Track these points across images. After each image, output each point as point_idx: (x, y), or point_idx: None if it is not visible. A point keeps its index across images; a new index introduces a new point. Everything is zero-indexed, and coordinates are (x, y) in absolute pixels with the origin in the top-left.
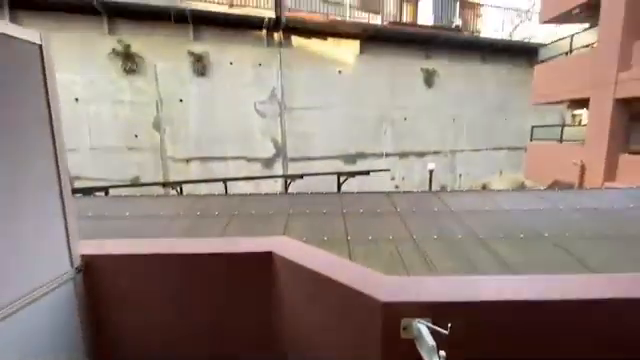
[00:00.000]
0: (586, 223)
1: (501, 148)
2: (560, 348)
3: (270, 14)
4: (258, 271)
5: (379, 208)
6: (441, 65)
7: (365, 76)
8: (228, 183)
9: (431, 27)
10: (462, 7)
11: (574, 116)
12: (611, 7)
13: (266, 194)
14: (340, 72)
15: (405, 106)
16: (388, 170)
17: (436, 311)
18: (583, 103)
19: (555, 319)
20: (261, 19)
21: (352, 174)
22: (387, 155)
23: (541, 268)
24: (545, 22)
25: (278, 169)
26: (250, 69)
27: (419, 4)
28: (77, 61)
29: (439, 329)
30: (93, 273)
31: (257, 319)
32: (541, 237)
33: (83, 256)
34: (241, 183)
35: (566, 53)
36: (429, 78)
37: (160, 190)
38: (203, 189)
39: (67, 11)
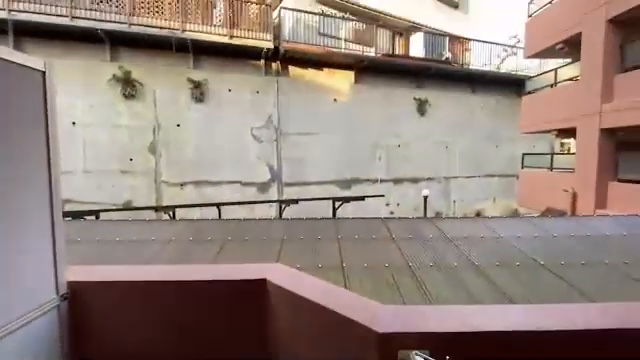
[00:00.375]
0: (581, 250)
1: (493, 175)
2: None
3: (268, 45)
4: (252, 299)
5: (374, 234)
6: (433, 95)
7: (360, 104)
8: (223, 208)
9: (422, 59)
10: (451, 42)
11: (562, 144)
12: (591, 44)
13: (260, 219)
14: (335, 100)
15: (399, 133)
16: (383, 196)
17: (435, 342)
18: (570, 132)
19: (555, 349)
20: (260, 49)
21: (347, 199)
22: (382, 181)
23: (539, 297)
24: (529, 57)
25: (273, 194)
26: (248, 96)
27: (411, 38)
28: (78, 86)
29: None
30: (80, 301)
31: (251, 348)
32: (537, 265)
33: (70, 283)
34: (236, 208)
35: (551, 85)
36: (421, 107)
37: (152, 214)
38: (197, 214)
39: (71, 39)
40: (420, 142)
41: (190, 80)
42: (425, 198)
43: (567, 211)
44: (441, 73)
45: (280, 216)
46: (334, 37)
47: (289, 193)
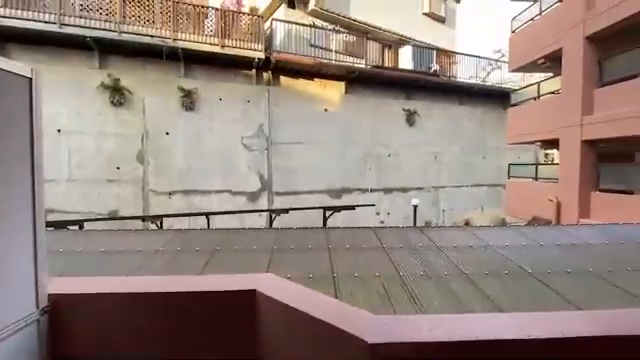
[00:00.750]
0: (566, 259)
1: (481, 185)
2: None
3: (260, 55)
4: (241, 310)
5: (365, 243)
6: (421, 106)
7: (350, 114)
8: (212, 217)
9: (411, 71)
10: (438, 55)
11: (547, 155)
12: (571, 60)
13: (250, 229)
14: (326, 110)
15: (388, 143)
16: (373, 205)
17: (425, 352)
18: (554, 143)
19: (543, 357)
20: (251, 59)
21: (338, 209)
22: (372, 190)
23: (527, 305)
24: (513, 71)
25: (263, 203)
26: (239, 105)
27: (400, 51)
28: (64, 93)
29: None
30: (61, 314)
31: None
32: (525, 273)
33: (51, 295)
34: (225, 217)
35: (534, 98)
36: (410, 118)
37: (139, 224)
38: (185, 223)
39: (59, 45)
40: (410, 152)
41: (181, 89)
42: (415, 207)
43: (552, 220)
44: (429, 85)
45: (270, 226)
46: (325, 49)
47: (280, 203)
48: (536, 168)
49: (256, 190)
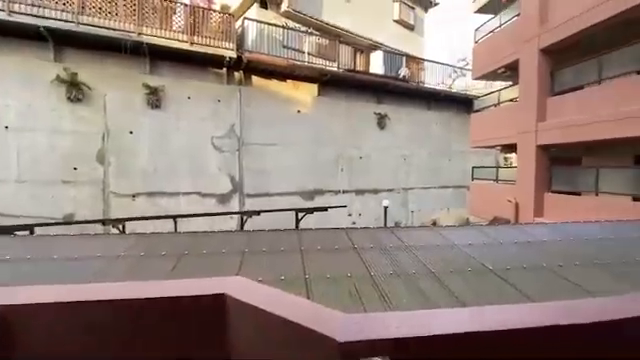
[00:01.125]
0: (523, 256)
1: (447, 186)
2: None
3: (231, 54)
4: (209, 315)
5: (337, 244)
6: (391, 110)
7: (323, 117)
8: (180, 220)
9: (382, 76)
10: (408, 61)
11: (506, 159)
12: (527, 70)
13: (220, 231)
14: (299, 112)
15: (360, 146)
16: (345, 206)
17: (393, 348)
18: (512, 148)
19: (501, 347)
20: (222, 58)
21: (310, 210)
22: (344, 192)
23: (488, 299)
24: (476, 78)
25: (234, 205)
26: (209, 104)
27: (371, 56)
28: (13, 85)
29: None
30: (4, 330)
31: None
32: (486, 270)
33: None
34: (194, 220)
35: (495, 105)
36: (381, 121)
37: (99, 229)
38: (150, 227)
39: (8, 35)
40: (380, 154)
41: (146, 85)
42: (385, 208)
43: (511, 219)
44: (399, 90)
45: (242, 228)
46: (298, 50)
47: (251, 205)
48: (497, 171)
49: (227, 192)
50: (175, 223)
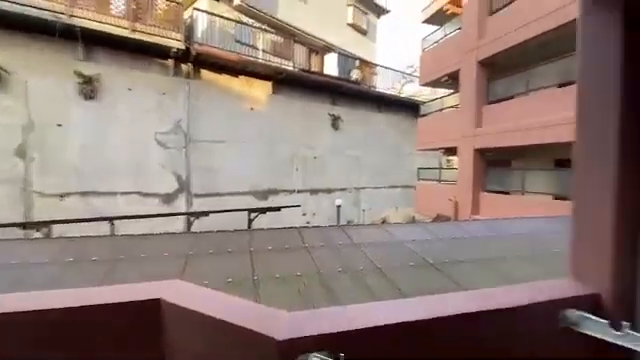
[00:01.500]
0: (459, 250)
1: (397, 186)
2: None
3: (178, 45)
4: (143, 323)
5: (288, 244)
6: (345, 112)
7: (277, 115)
8: (118, 223)
9: (336, 78)
10: (361, 65)
11: (449, 161)
12: (466, 80)
13: (163, 234)
14: (252, 109)
15: (314, 146)
16: (299, 206)
17: (332, 342)
18: (453, 151)
19: (436, 333)
20: (168, 48)
21: (263, 210)
22: (299, 192)
23: (428, 290)
24: (423, 85)
25: (181, 206)
26: (152, 97)
27: (325, 57)
28: None
29: None
30: None
31: None
32: (427, 264)
33: None
34: (134, 222)
35: (439, 110)
36: (335, 122)
37: (19, 233)
38: (83, 230)
39: None
40: (334, 155)
41: (78, 74)
42: (338, 208)
43: (452, 217)
44: (352, 92)
45: (189, 230)
46: (252, 47)
47: (200, 205)
48: (439, 172)
49: (172, 191)
50: (112, 225)
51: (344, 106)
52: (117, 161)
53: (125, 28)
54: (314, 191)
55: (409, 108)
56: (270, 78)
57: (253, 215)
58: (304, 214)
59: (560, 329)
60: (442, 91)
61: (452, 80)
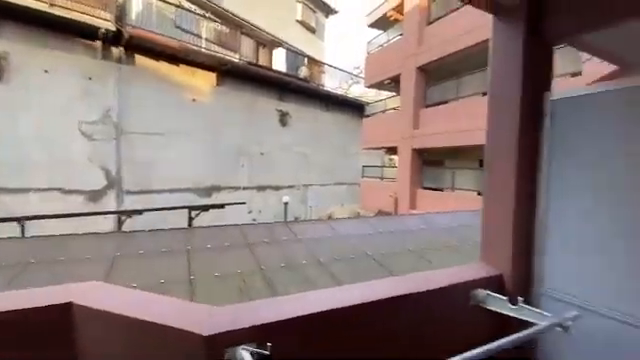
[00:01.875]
0: (396, 242)
1: (343, 183)
2: (375, 340)
3: (108, 25)
4: (53, 330)
5: (229, 241)
6: (293, 108)
7: (222, 109)
8: (33, 224)
9: (284, 74)
10: (309, 62)
11: (391, 159)
12: (406, 84)
13: (86, 234)
14: (194, 100)
15: (262, 142)
16: (244, 203)
17: (261, 334)
18: (394, 150)
19: (366, 315)
20: (95, 28)
21: (206, 208)
22: (244, 188)
23: (364, 280)
24: (368, 87)
25: (110, 203)
26: (76, 82)
27: (274, 52)
28: None
29: (261, 351)
30: None
31: None
32: (366, 255)
33: None
34: (55, 223)
35: (382, 111)
36: (283, 118)
37: None
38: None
39: None
40: (282, 152)
41: None
42: (285, 204)
43: (392, 212)
44: (300, 89)
45: (120, 229)
46: (195, 34)
47: (133, 202)
48: (382, 170)
49: (100, 188)
50: (22, 226)
51: (292, 103)
52: (30, 153)
53: (43, 1)
54: (261, 188)
55: (356, 108)
56: (214, 69)
57: (194, 213)
58: (250, 212)
59: (471, 306)
60: (387, 93)
61: (394, 83)
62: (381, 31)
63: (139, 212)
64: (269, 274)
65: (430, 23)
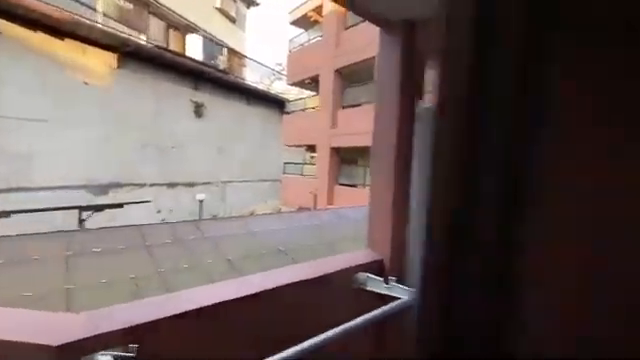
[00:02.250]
0: (308, 236)
1: (266, 180)
2: (258, 329)
3: None
4: None
5: (123, 244)
6: (209, 100)
7: (125, 95)
8: None
9: (200, 62)
10: (229, 53)
11: (312, 157)
12: (325, 85)
13: None
14: (87, 84)
15: (173, 134)
16: (149, 202)
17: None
18: (314, 148)
19: (260, 305)
20: None
21: (99, 207)
22: (152, 185)
23: None
24: (291, 85)
25: None
26: None
27: (187, 38)
28: None
29: (125, 354)
30: None
31: None
32: (277, 250)
33: None
34: None
35: (303, 110)
36: (198, 110)
37: None
38: None
39: None
40: (197, 146)
41: None
42: (201, 202)
43: (311, 207)
44: (219, 81)
45: None
46: (88, 6)
47: (1, 202)
48: (302, 167)
49: None
50: None
51: (209, 94)
52: None
53: None
54: (172, 185)
55: (278, 104)
56: (115, 49)
57: (86, 214)
58: (159, 211)
59: (353, 289)
60: (309, 92)
61: (315, 83)
62: (302, 30)
63: (7, 214)
64: (169, 277)
65: (347, 28)
